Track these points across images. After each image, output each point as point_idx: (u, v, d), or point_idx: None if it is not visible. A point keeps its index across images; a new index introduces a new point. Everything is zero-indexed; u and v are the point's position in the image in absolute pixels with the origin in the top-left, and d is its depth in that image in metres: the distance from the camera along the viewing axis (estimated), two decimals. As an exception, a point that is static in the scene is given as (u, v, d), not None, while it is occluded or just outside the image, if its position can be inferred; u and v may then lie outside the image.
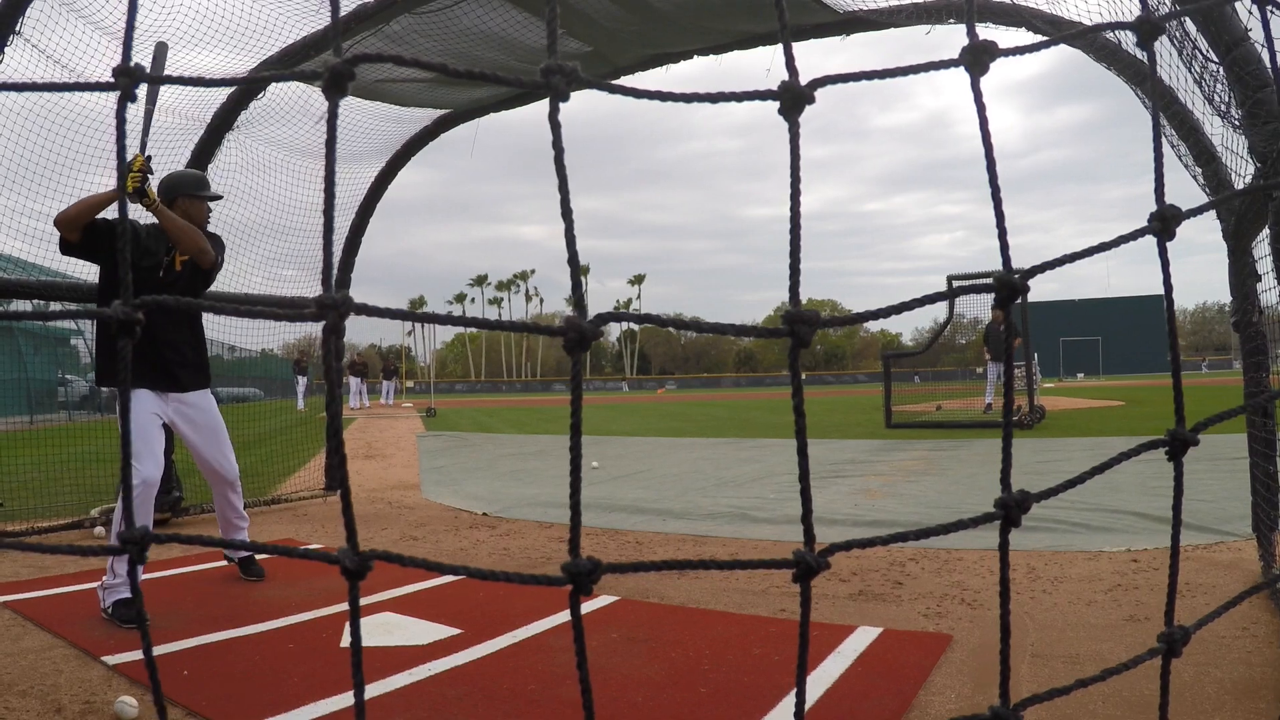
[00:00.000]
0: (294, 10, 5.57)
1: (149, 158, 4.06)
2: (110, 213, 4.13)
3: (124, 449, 0.61)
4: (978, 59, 0.68)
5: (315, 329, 0.67)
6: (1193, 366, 63.57)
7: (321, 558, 0.62)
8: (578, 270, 0.61)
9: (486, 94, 7.05)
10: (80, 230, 3.97)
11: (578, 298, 0.62)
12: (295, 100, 6.64)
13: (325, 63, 0.59)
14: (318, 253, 7.20)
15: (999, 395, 16.22)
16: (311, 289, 7.29)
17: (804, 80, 0.65)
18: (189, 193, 4.40)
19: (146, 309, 0.64)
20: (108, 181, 5.31)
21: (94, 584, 4.32)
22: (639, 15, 5.60)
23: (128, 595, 3.95)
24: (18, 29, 4.78)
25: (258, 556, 4.89)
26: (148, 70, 0.67)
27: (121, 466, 0.62)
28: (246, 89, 6.42)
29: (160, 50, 4.41)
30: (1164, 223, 0.73)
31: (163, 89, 5.24)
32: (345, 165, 7.45)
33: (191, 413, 4.40)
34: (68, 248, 4.06)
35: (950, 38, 5.89)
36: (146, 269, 4.28)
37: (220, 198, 4.68)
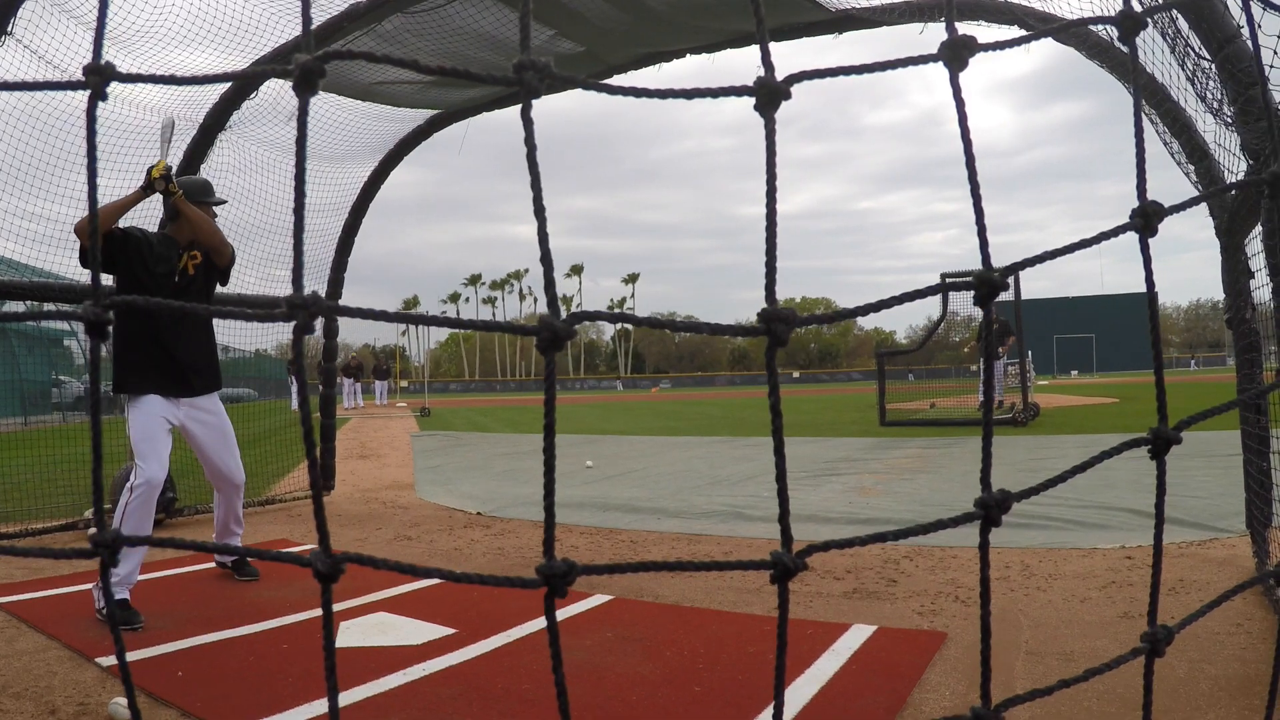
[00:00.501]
0: (285, 9, 5.56)
1: (170, 165, 4.12)
2: (123, 222, 4.18)
3: (95, 449, 0.61)
4: (957, 54, 0.67)
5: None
6: (1182, 364, 63.73)
7: (294, 560, 0.62)
8: (550, 268, 0.60)
9: (479, 94, 7.05)
10: (101, 237, 3.98)
11: (551, 297, 0.62)
12: (288, 100, 6.63)
13: (296, 60, 0.59)
14: (309, 252, 7.19)
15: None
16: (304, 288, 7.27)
17: (781, 76, 0.64)
18: (195, 198, 4.42)
19: (130, 313, 0.64)
20: (105, 182, 5.31)
21: (88, 585, 4.31)
22: (632, 14, 5.59)
23: (124, 596, 3.95)
24: (9, 30, 4.76)
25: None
26: (119, 70, 0.66)
27: (93, 468, 0.62)
28: (239, 89, 6.40)
29: (168, 126, 4.44)
30: (1146, 219, 0.73)
31: (154, 90, 5.22)
32: (338, 165, 7.43)
33: (202, 416, 4.41)
34: (87, 258, 4.09)
35: (943, 35, 5.88)
36: (161, 275, 4.29)
37: (225, 202, 4.70)
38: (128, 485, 4.00)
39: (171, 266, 4.33)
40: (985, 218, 0.68)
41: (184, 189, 4.40)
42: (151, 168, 4.03)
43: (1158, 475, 0.78)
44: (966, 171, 0.68)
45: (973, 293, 0.72)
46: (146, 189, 4.02)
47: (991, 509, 0.67)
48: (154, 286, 4.23)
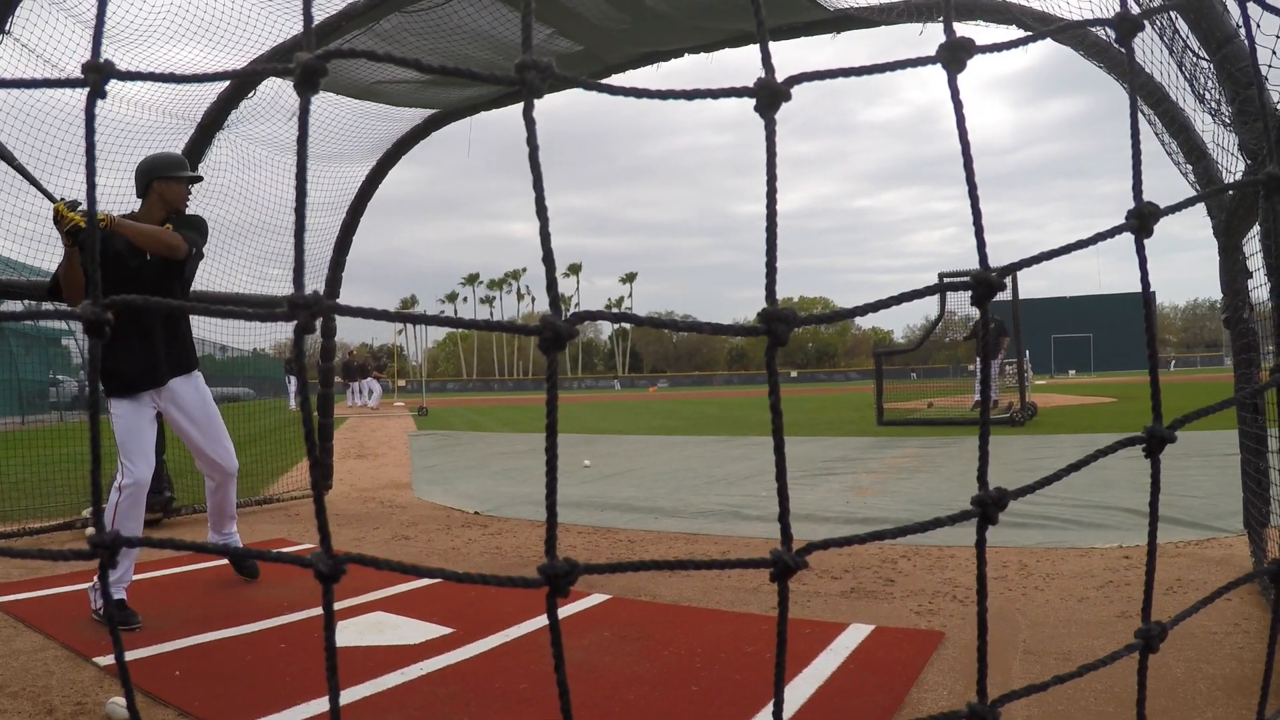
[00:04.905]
0: (280, 7, 5.56)
1: (74, 202, 3.84)
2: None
3: (93, 449, 0.61)
4: (955, 56, 0.68)
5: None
6: (1189, 363, 63.80)
7: (295, 561, 0.62)
8: (553, 268, 0.60)
9: (478, 93, 7.04)
10: (82, 289, 4.03)
11: (553, 297, 0.62)
12: (286, 98, 6.62)
13: (298, 58, 0.59)
14: (307, 251, 7.21)
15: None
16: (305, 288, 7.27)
17: (782, 77, 0.64)
18: (164, 175, 4.27)
19: (115, 308, 0.64)
20: (102, 180, 5.30)
21: (86, 585, 4.30)
22: (631, 14, 5.59)
23: (120, 596, 3.94)
24: (7, 29, 4.76)
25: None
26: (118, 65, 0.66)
27: (91, 469, 0.62)
28: (238, 87, 6.40)
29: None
30: (1142, 220, 0.73)
31: (150, 88, 5.21)
32: (336, 164, 7.43)
33: (180, 400, 4.26)
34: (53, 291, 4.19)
35: (942, 35, 5.88)
36: (114, 255, 4.15)
37: (200, 179, 4.55)
38: (115, 485, 3.93)
39: (118, 248, 4.15)
40: (982, 218, 0.68)
41: (151, 166, 4.26)
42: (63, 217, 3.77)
43: (1152, 473, 0.79)
44: (965, 172, 0.68)
45: (970, 292, 0.72)
46: (66, 236, 3.81)
47: (988, 507, 0.67)
48: (108, 273, 4.09)
